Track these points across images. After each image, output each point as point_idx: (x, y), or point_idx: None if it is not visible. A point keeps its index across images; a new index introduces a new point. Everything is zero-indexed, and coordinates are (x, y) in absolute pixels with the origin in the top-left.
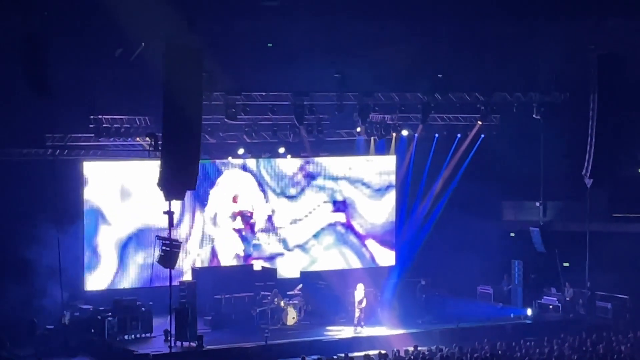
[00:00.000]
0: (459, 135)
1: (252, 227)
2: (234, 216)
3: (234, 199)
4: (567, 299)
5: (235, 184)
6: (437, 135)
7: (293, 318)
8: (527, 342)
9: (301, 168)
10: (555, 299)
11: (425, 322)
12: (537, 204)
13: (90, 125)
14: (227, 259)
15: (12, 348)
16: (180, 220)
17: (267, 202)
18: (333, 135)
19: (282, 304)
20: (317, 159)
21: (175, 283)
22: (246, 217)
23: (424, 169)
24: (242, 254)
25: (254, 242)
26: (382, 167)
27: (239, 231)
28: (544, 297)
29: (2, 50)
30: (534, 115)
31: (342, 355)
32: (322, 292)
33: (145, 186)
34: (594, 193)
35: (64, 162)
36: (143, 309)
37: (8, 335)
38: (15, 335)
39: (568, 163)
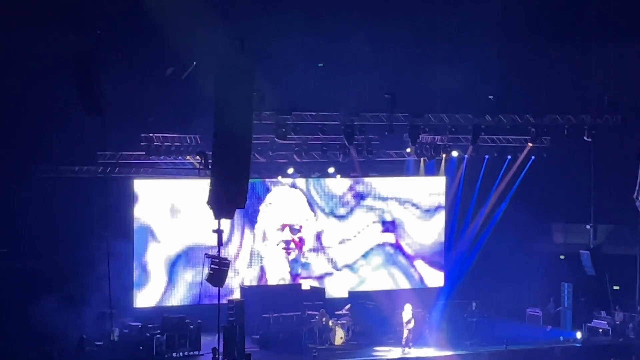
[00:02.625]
0: (509, 157)
1: (300, 242)
2: (282, 227)
3: (283, 212)
4: (617, 322)
5: (285, 200)
6: (487, 156)
7: (341, 338)
8: None
9: (350, 188)
10: (605, 322)
11: (474, 344)
12: (588, 226)
13: (142, 143)
14: (275, 275)
15: None
16: (229, 239)
17: (316, 220)
18: (383, 155)
19: (330, 323)
20: (367, 179)
21: (223, 301)
22: (294, 230)
23: (474, 190)
24: (290, 269)
25: (303, 260)
26: (431, 188)
27: (287, 244)
28: (594, 320)
29: (55, 68)
30: (584, 138)
31: None
32: (370, 312)
33: (195, 204)
34: None
35: (115, 179)
36: (191, 326)
37: (58, 351)
38: (64, 351)
39: (619, 186)
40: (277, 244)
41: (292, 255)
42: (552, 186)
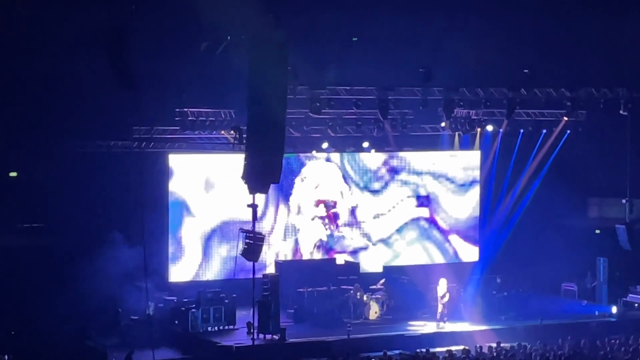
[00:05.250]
0: (544, 131)
1: (335, 217)
2: (317, 203)
3: (318, 187)
4: None
5: (320, 173)
6: (522, 130)
7: (375, 312)
8: (611, 340)
9: (385, 162)
10: None
11: (509, 319)
12: (623, 201)
13: (176, 118)
14: (310, 249)
15: (97, 338)
16: (264, 214)
17: (351, 194)
18: (417, 130)
19: (364, 298)
20: (401, 154)
21: (258, 276)
22: (329, 206)
23: (509, 164)
24: (325, 243)
25: (337, 234)
26: (466, 162)
27: (321, 219)
28: (629, 294)
29: (89, 43)
30: (620, 111)
31: (424, 350)
32: (404, 287)
33: (230, 179)
34: None
35: (150, 154)
36: (226, 301)
37: (93, 326)
38: (100, 325)
39: None
40: (312, 219)
41: (327, 231)
42: (587, 160)
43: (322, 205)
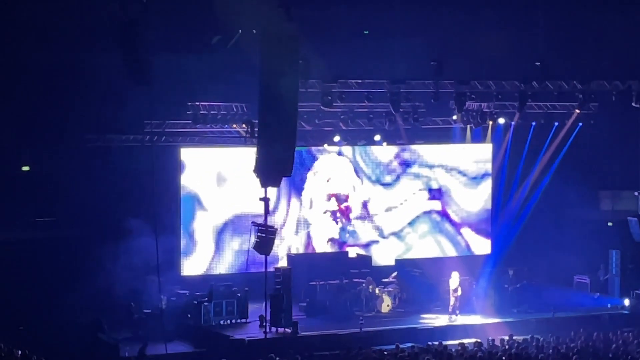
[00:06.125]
0: (556, 123)
1: (347, 211)
2: (328, 197)
3: (329, 181)
4: None
5: (331, 167)
6: (534, 123)
7: (388, 305)
8: (624, 333)
9: (397, 156)
10: None
11: (521, 311)
12: (636, 193)
13: (188, 112)
14: (322, 243)
15: (110, 331)
16: (276, 207)
17: (362, 188)
18: (429, 123)
19: (377, 291)
20: (413, 147)
21: (270, 269)
22: (341, 200)
23: (521, 157)
24: (337, 236)
25: (349, 228)
26: (478, 155)
27: (333, 213)
28: None
29: (101, 37)
30: (632, 104)
31: (437, 343)
32: (417, 280)
33: (242, 173)
34: None
35: (162, 148)
36: (239, 294)
37: (106, 319)
38: (113, 318)
39: None
40: (324, 213)
41: (339, 224)
42: (599, 153)
43: (333, 199)
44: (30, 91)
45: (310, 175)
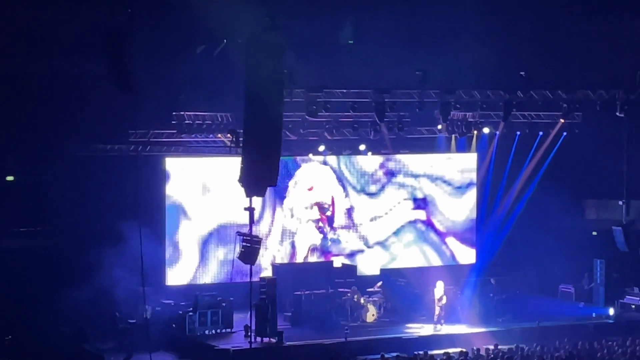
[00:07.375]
0: (540, 133)
1: (330, 219)
2: (311, 206)
3: (311, 189)
4: None
5: (313, 175)
6: (518, 133)
7: (373, 315)
8: (609, 342)
9: (381, 165)
10: (637, 298)
11: (506, 321)
12: (620, 202)
13: (173, 122)
14: (305, 250)
15: (94, 341)
16: (260, 217)
17: (346, 197)
18: (414, 132)
19: (362, 300)
20: (398, 156)
21: (255, 279)
22: (323, 209)
23: (505, 166)
24: (318, 244)
25: (333, 237)
26: (463, 164)
27: (316, 222)
28: (627, 296)
29: (87, 46)
30: (617, 113)
31: (422, 352)
32: (402, 289)
33: (226, 182)
34: None
35: (146, 157)
36: (224, 304)
37: (91, 329)
38: (97, 328)
39: None
40: (307, 222)
41: (324, 233)
42: (584, 162)
43: (316, 208)
44: (14, 100)
45: (291, 184)
